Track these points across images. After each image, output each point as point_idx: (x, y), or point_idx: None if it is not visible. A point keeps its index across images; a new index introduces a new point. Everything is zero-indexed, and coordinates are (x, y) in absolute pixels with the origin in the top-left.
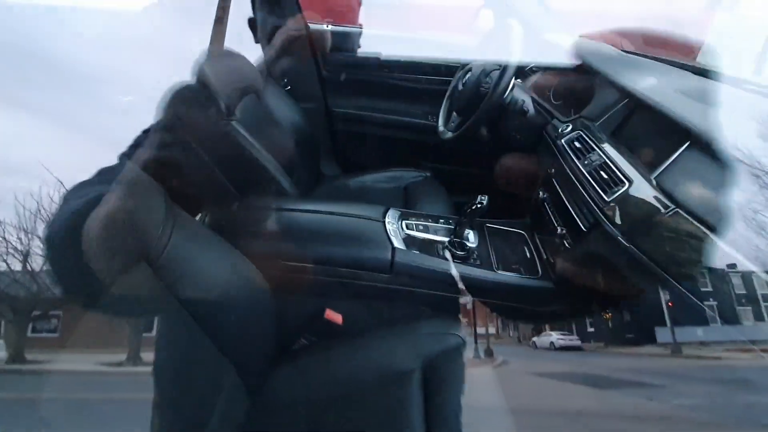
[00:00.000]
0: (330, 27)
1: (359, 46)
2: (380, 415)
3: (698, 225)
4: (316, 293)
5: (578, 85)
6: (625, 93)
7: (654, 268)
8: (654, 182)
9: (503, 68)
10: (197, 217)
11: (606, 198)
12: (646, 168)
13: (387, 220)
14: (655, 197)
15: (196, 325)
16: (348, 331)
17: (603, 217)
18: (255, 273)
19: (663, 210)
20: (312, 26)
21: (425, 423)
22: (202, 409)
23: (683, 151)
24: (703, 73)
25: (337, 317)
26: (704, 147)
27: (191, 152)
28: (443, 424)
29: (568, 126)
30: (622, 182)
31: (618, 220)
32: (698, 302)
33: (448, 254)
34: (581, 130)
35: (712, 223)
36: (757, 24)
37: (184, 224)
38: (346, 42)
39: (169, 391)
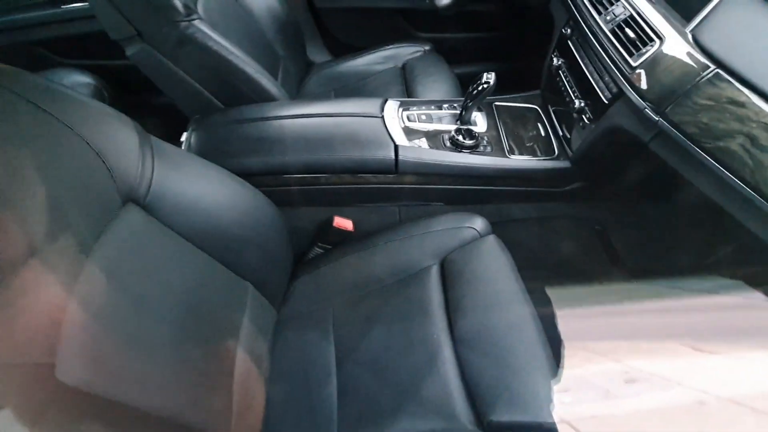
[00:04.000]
0: None
1: None
2: (401, 307)
3: (742, 88)
4: (322, 202)
5: None
6: None
7: (686, 143)
8: (690, 37)
9: None
10: (183, 138)
11: (632, 62)
12: (681, 19)
13: (386, 114)
14: (691, 56)
15: (204, 254)
16: (360, 235)
17: (627, 85)
18: (254, 192)
19: (701, 72)
20: None
21: (446, 313)
22: (229, 330)
23: None
24: None
25: (347, 224)
26: None
27: (156, 63)
28: (462, 315)
29: None
30: (652, 40)
31: (645, 88)
32: (739, 183)
33: (455, 145)
34: None
35: (760, 85)
36: None
37: (164, 154)
38: None
39: (192, 318)
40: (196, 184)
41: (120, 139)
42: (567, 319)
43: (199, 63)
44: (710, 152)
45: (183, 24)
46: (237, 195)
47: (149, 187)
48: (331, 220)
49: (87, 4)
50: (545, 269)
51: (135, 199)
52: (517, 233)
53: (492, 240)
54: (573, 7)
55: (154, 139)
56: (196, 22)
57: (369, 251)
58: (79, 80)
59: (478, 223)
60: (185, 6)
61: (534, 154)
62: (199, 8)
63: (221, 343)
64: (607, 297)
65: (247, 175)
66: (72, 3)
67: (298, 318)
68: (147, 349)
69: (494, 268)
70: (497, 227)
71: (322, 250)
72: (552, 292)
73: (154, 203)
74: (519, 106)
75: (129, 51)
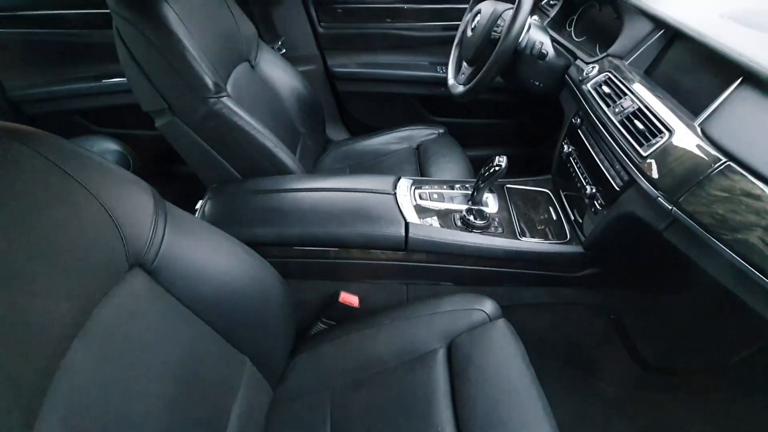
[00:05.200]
0: None
1: None
2: (404, 395)
3: (755, 181)
4: (329, 276)
5: (604, 17)
6: (659, 22)
7: (702, 233)
8: (699, 130)
9: (516, 7)
10: (198, 206)
11: (642, 152)
12: (689, 113)
13: (398, 191)
14: (701, 148)
15: (204, 324)
16: (366, 312)
17: (639, 173)
18: (262, 263)
19: (712, 164)
20: None
21: (452, 404)
22: (221, 410)
23: (733, 89)
24: None
25: (353, 299)
26: (759, 83)
27: (182, 135)
28: (469, 408)
29: (593, 67)
30: (661, 132)
31: (657, 178)
32: (758, 275)
33: (466, 225)
34: (609, 72)
35: None
36: None
37: (177, 220)
38: None
39: (183, 395)
40: (205, 251)
41: (135, 203)
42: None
43: (222, 136)
44: (728, 244)
45: (212, 100)
46: (244, 265)
47: (158, 252)
48: (337, 295)
49: (124, 79)
50: (559, 359)
51: (142, 263)
52: (528, 318)
53: (502, 324)
54: (582, 100)
55: (169, 206)
56: (224, 99)
57: (374, 330)
58: (108, 147)
59: (488, 306)
60: (216, 84)
61: (545, 238)
62: (229, 86)
63: (210, 424)
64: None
65: (257, 245)
66: (111, 78)
67: (295, 400)
68: (131, 426)
69: (504, 355)
70: (508, 311)
71: (325, 326)
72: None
73: (160, 269)
74: (530, 190)
75: (158, 122)
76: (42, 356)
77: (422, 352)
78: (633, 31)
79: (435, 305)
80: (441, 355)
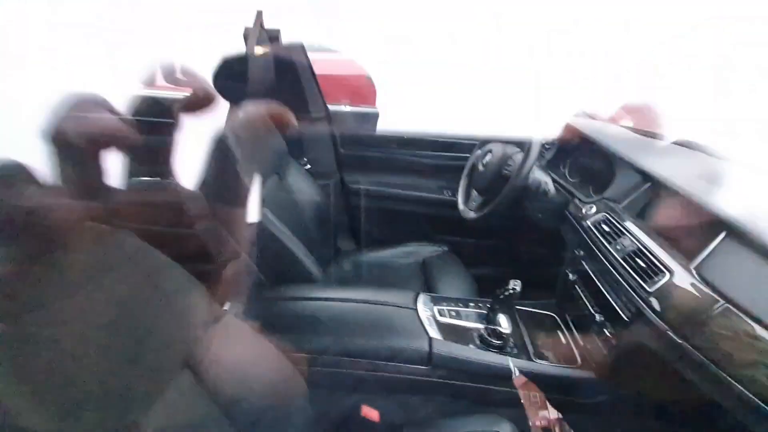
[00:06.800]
0: (348, 108)
1: (376, 126)
2: None
3: (752, 323)
4: (351, 388)
5: (594, 162)
6: (647, 177)
7: (712, 368)
8: (695, 273)
9: (526, 152)
10: (226, 307)
11: (647, 288)
12: (682, 256)
13: (419, 306)
14: (700, 290)
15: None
16: (385, 428)
17: (647, 308)
18: (292, 370)
19: (712, 305)
20: (331, 108)
21: None
22: None
23: (720, 241)
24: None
25: (374, 414)
26: (741, 236)
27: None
28: None
29: (592, 207)
30: (662, 272)
31: (664, 313)
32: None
33: (484, 343)
34: (607, 213)
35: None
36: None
37: (225, 322)
38: (363, 122)
39: None
40: (247, 356)
41: (194, 303)
42: None
43: (257, 243)
44: (737, 379)
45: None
46: (278, 371)
47: (207, 354)
48: (358, 410)
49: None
50: None
51: (192, 365)
52: None
53: None
54: (584, 235)
55: (216, 306)
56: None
57: None
58: None
59: (507, 430)
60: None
61: (557, 361)
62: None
63: None
64: None
65: (284, 351)
66: None
67: None
68: None
69: None
70: None
71: None
72: None
73: (206, 370)
74: (538, 312)
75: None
76: None
77: None
78: (624, 180)
79: (454, 426)
80: None
